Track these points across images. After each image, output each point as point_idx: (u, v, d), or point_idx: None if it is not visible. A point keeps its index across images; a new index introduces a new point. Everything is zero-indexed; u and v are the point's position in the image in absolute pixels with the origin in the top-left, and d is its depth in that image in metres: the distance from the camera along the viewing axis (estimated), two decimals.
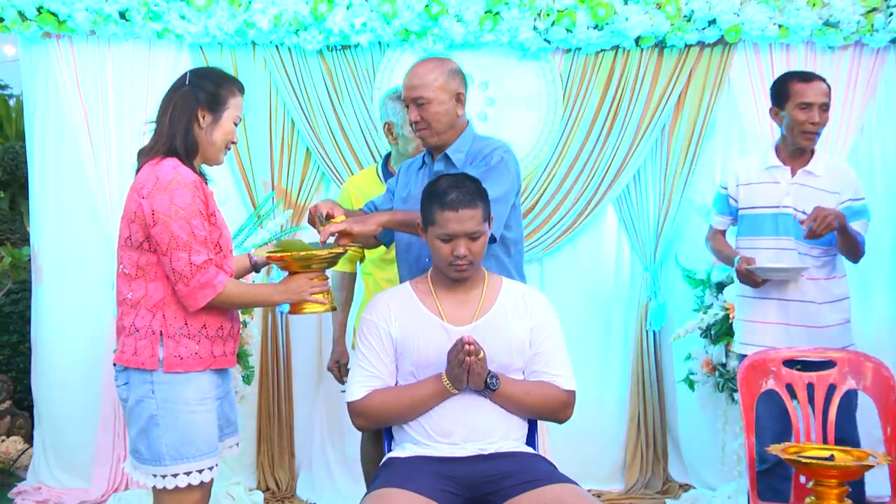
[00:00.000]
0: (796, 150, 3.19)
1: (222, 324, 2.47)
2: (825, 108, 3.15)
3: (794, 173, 3.18)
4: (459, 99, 2.76)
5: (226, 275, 2.42)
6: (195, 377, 2.41)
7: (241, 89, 2.53)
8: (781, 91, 3.19)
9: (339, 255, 2.57)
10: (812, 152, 3.20)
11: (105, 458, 4.08)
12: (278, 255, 2.54)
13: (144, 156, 2.47)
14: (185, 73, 2.51)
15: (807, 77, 3.19)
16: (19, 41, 4.08)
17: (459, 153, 2.77)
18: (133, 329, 2.41)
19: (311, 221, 2.63)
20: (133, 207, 2.40)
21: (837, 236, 3.06)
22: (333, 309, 2.63)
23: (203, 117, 2.45)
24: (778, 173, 3.20)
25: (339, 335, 3.53)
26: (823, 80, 3.18)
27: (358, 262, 3.52)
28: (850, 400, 2.91)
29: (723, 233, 3.46)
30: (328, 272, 2.60)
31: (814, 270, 3.14)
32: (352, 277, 3.56)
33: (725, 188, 3.37)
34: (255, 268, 2.71)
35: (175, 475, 2.40)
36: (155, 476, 2.41)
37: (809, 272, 3.13)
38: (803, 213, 3.09)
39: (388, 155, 3.45)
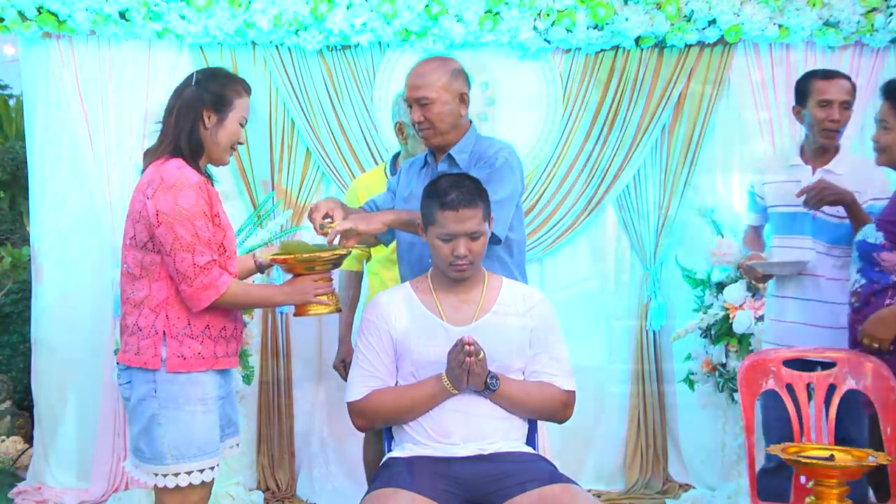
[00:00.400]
0: (819, 148, 3.17)
1: (225, 324, 2.47)
2: (846, 105, 3.12)
3: (814, 172, 3.16)
4: (463, 99, 2.76)
5: (229, 276, 2.42)
6: (198, 377, 2.42)
7: (248, 90, 2.53)
8: (803, 89, 3.17)
9: (342, 257, 2.57)
10: (837, 150, 3.18)
11: (105, 458, 4.08)
12: (282, 257, 2.54)
13: (150, 156, 2.47)
14: (192, 74, 2.52)
15: (829, 75, 3.17)
16: (19, 41, 4.08)
17: (463, 154, 2.77)
18: (136, 328, 2.42)
19: (311, 219, 2.63)
20: (138, 207, 2.41)
21: (851, 223, 3.03)
22: (338, 310, 2.63)
23: (208, 118, 2.45)
24: (799, 172, 3.18)
25: (344, 334, 3.53)
26: (847, 78, 3.15)
27: (364, 262, 3.53)
28: (858, 402, 2.89)
29: (755, 229, 3.45)
30: (335, 271, 2.60)
31: (835, 271, 3.11)
32: (358, 276, 3.57)
33: (753, 186, 3.38)
34: (260, 269, 2.71)
35: (176, 474, 2.40)
36: (156, 475, 2.41)
37: (830, 272, 3.10)
38: (822, 212, 3.08)
39: (397, 154, 3.46)
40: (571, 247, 4.27)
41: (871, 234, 2.74)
